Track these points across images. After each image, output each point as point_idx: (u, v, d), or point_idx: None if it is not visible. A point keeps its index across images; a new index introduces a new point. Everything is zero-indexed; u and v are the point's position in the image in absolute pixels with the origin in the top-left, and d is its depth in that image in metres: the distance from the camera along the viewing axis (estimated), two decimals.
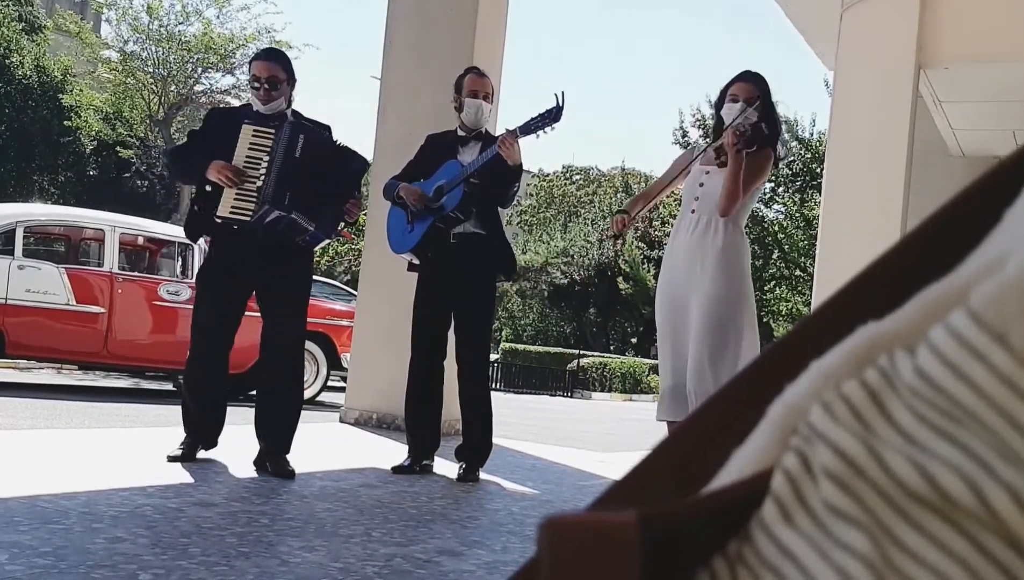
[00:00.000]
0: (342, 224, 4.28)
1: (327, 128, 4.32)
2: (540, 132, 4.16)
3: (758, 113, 3.98)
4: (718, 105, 4.17)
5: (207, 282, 4.14)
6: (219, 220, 4.01)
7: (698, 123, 28.50)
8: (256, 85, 4.15)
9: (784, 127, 24.10)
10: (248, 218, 4.00)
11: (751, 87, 4.02)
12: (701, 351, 3.83)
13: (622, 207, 4.44)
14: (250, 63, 4.34)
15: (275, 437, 4.16)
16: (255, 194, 4.00)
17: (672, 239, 4.13)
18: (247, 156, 4.04)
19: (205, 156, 4.01)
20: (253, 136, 4.06)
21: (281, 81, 4.15)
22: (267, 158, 4.03)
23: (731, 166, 3.88)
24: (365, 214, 6.58)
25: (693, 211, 4.02)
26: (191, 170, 4.17)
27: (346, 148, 4.25)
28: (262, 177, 4.01)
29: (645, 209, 4.58)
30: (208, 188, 4.04)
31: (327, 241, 4.35)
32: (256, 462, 4.19)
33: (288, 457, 4.14)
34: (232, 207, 3.99)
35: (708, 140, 4.27)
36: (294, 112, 4.26)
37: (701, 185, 4.02)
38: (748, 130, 3.91)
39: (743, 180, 3.91)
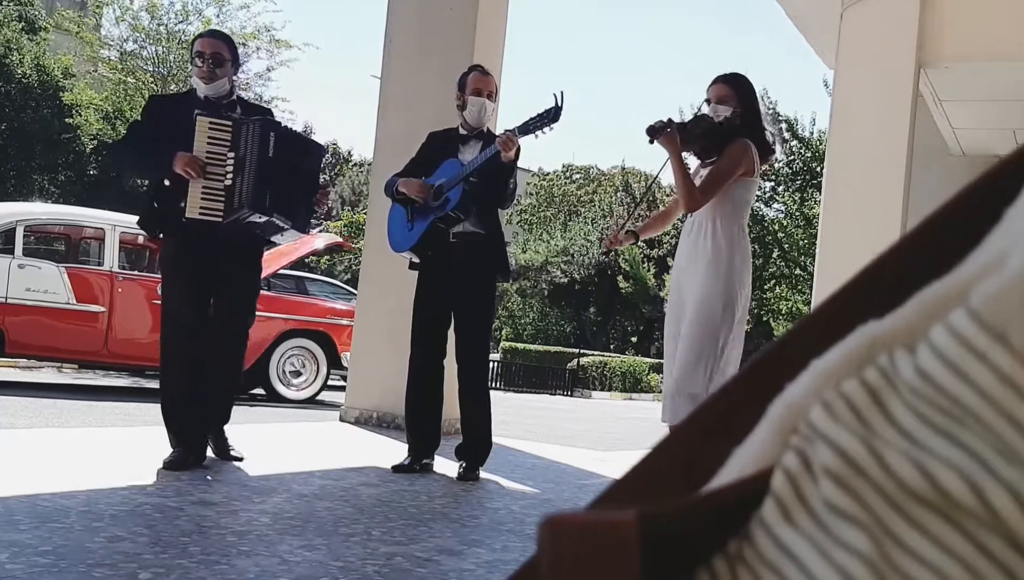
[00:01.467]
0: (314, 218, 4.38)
1: (269, 112, 4.33)
2: (539, 132, 4.16)
3: (733, 108, 4.00)
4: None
5: (177, 275, 4.06)
6: (187, 220, 3.92)
7: None
8: (199, 62, 4.06)
9: (784, 125, 24.18)
10: (220, 219, 3.94)
11: (721, 86, 4.07)
12: (687, 352, 3.85)
13: (634, 228, 4.46)
14: (193, 41, 4.26)
15: (214, 410, 4.22)
16: (222, 193, 3.93)
17: (680, 241, 4.17)
18: (207, 151, 3.94)
19: (166, 147, 3.90)
20: (211, 129, 3.95)
21: (225, 60, 4.08)
22: (231, 155, 3.95)
23: (672, 163, 3.96)
24: (365, 213, 6.59)
25: (691, 213, 4.06)
26: (155, 163, 4.01)
27: (303, 137, 4.26)
28: (229, 176, 3.93)
29: (658, 231, 4.60)
30: (167, 182, 3.95)
31: (299, 236, 4.38)
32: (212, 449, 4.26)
33: (232, 443, 4.27)
34: (201, 208, 3.91)
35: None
36: (239, 98, 4.23)
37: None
38: (663, 122, 3.96)
39: (718, 173, 3.93)
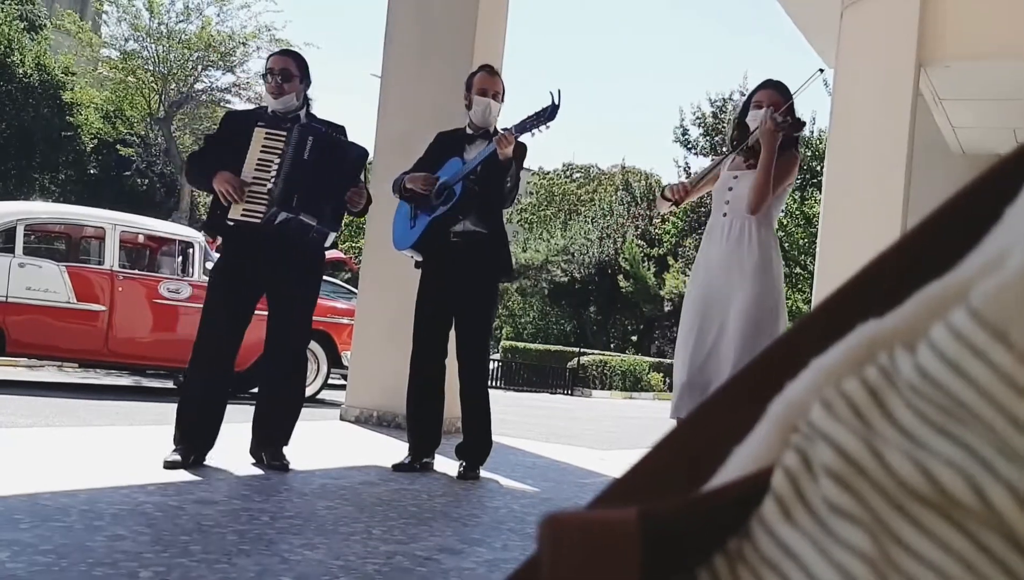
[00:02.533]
0: (345, 215, 4.40)
1: (341, 128, 4.40)
2: (536, 131, 4.16)
3: (784, 118, 4.01)
4: (743, 114, 4.17)
5: (221, 282, 4.20)
6: (231, 222, 4.09)
7: (698, 121, 28.47)
8: (269, 78, 4.24)
9: None
10: (259, 220, 4.08)
11: (775, 93, 4.06)
12: (741, 358, 3.84)
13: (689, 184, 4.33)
14: (267, 60, 4.42)
15: (275, 429, 4.25)
16: (266, 196, 4.08)
17: (705, 241, 4.13)
18: (259, 159, 4.12)
19: (215, 163, 4.10)
20: (265, 139, 4.14)
21: (293, 76, 4.22)
22: (278, 161, 4.11)
23: (765, 154, 3.88)
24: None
25: (725, 214, 4.02)
26: (202, 178, 4.24)
27: (344, 141, 4.32)
28: (273, 180, 4.09)
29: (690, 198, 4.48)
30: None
31: (334, 234, 4.40)
32: (252, 451, 4.28)
33: (285, 451, 4.22)
34: (244, 210, 4.08)
35: (730, 145, 4.27)
36: (308, 113, 4.34)
37: (730, 189, 4.04)
38: (786, 120, 3.93)
39: (778, 180, 3.93)
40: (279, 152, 4.11)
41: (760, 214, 3.93)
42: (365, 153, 4.42)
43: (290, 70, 4.22)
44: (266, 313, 4.30)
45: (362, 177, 4.40)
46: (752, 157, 4.02)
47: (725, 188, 4.07)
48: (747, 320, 3.86)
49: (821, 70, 4.10)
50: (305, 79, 4.28)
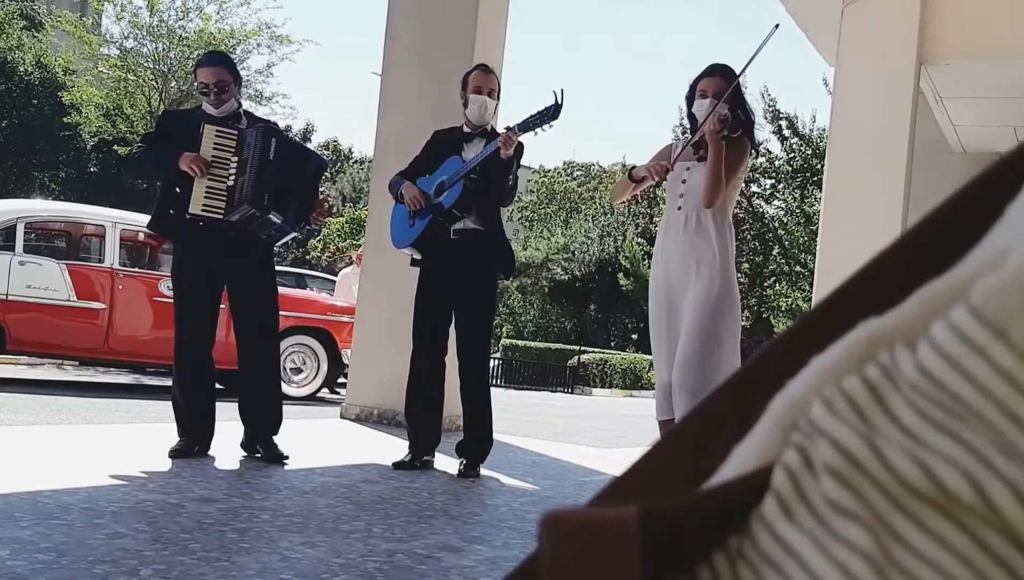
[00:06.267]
0: (304, 224, 4.54)
1: (275, 124, 4.60)
2: (538, 129, 4.17)
3: (728, 105, 3.97)
4: (689, 102, 4.14)
5: (183, 280, 4.32)
6: (189, 217, 4.17)
7: None
8: (205, 91, 4.33)
9: (784, 122, 24.16)
10: (220, 216, 4.18)
11: (719, 81, 4.00)
12: (692, 347, 3.81)
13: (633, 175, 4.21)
14: (195, 70, 4.52)
15: (263, 422, 4.37)
16: (224, 193, 4.18)
17: (662, 236, 4.07)
18: (213, 155, 4.21)
19: (172, 151, 4.16)
20: (217, 136, 4.23)
21: (229, 83, 4.33)
22: (235, 158, 4.21)
23: (712, 154, 3.85)
24: (365, 210, 6.59)
25: (680, 208, 3.97)
26: (161, 164, 4.25)
27: (304, 147, 4.48)
28: (232, 176, 4.19)
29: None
30: (177, 189, 4.21)
31: (292, 234, 4.51)
32: (243, 445, 4.40)
33: (277, 441, 4.36)
34: (203, 205, 4.17)
35: (686, 136, 4.23)
36: (246, 112, 4.49)
37: (684, 181, 3.98)
38: (728, 116, 3.90)
39: (731, 170, 3.90)
40: (233, 149, 4.21)
41: (716, 206, 3.91)
42: (325, 164, 4.63)
43: (225, 80, 4.32)
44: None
45: (320, 188, 4.56)
46: (703, 149, 3.95)
47: (678, 180, 4.01)
48: (703, 313, 3.84)
49: (777, 25, 4.01)
50: (237, 78, 4.40)
